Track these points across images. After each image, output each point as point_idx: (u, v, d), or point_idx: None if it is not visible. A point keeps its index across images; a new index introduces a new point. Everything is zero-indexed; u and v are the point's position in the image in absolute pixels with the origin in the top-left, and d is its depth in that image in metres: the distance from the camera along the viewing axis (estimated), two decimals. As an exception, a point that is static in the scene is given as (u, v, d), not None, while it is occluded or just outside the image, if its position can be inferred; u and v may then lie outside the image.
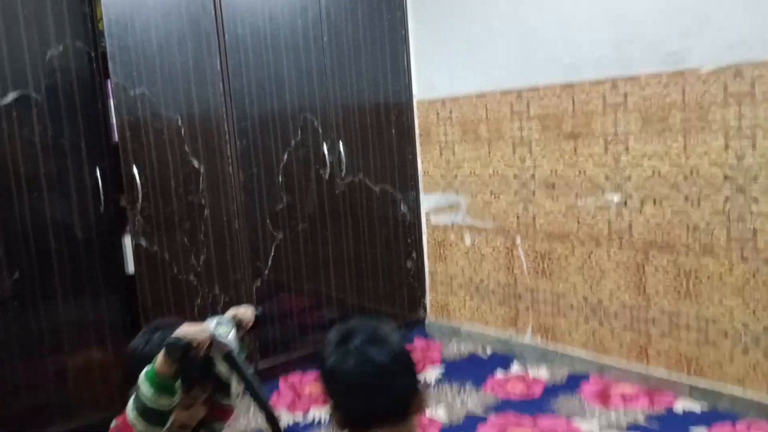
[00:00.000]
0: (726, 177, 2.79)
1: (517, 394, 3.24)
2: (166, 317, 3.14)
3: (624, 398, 3.08)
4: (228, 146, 3.33)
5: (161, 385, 1.47)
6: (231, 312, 1.68)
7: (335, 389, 1.53)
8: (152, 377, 1.47)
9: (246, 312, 1.67)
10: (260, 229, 3.50)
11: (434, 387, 3.39)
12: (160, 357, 1.48)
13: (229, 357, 1.57)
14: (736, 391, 2.85)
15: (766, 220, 2.69)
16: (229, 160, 3.35)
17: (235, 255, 3.41)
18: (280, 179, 3.54)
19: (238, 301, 3.40)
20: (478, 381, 3.41)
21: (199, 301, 3.29)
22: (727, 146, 2.77)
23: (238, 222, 3.41)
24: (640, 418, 2.89)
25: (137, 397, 1.48)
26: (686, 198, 2.92)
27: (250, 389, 1.57)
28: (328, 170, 3.70)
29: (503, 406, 3.12)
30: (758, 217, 2.72)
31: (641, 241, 3.11)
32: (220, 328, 1.60)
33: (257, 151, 3.45)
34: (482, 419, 3.00)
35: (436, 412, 3.11)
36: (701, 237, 2.90)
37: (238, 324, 1.66)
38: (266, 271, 3.52)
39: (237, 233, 3.41)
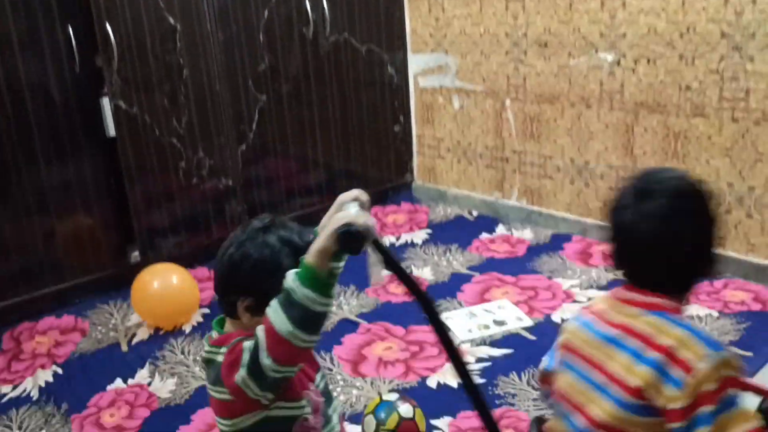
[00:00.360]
0: (723, 34, 2.69)
1: (502, 254, 3.31)
2: (150, 176, 3.12)
3: (605, 257, 3.14)
4: (204, 2, 3.16)
5: (323, 285, 1.24)
6: (351, 194, 1.45)
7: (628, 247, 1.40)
8: (312, 277, 1.23)
9: (363, 193, 1.45)
10: (243, 92, 3.40)
11: (421, 248, 3.45)
12: (319, 253, 1.24)
13: (377, 243, 1.36)
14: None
15: (761, 79, 2.63)
16: (207, 18, 3.20)
17: (217, 118, 3.33)
18: (261, 39, 3.40)
19: (223, 166, 3.38)
20: (464, 243, 3.47)
21: (183, 164, 3.25)
22: (726, 1, 2.65)
23: (219, 84, 3.31)
24: (619, 274, 2.96)
25: (291, 306, 1.21)
26: (681, 57, 2.84)
27: (399, 273, 1.40)
28: (311, 29, 3.55)
29: (487, 265, 3.19)
30: (752, 76, 2.65)
31: (632, 101, 3.05)
32: (353, 210, 1.40)
33: (235, 9, 3.29)
34: (467, 278, 3.08)
35: (423, 271, 3.19)
36: (693, 97, 2.84)
37: (361, 207, 1.43)
38: (251, 135, 3.46)
39: (219, 95, 3.32)
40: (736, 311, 2.60)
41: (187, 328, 2.83)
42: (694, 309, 2.62)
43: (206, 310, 2.96)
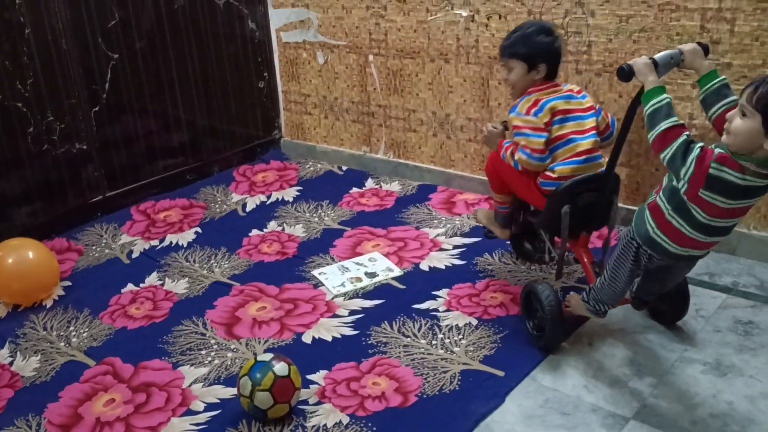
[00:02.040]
0: (567, -10, 2.85)
1: (372, 208, 3.39)
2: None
3: (467, 205, 3.31)
4: (42, -48, 2.92)
5: None
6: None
7: None
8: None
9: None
10: (93, 49, 3.20)
11: (292, 205, 3.46)
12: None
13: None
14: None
15: (601, 33, 2.82)
16: (46, -30, 2.96)
17: (66, 78, 3.13)
18: (109, -8, 3.20)
19: (75, 128, 3.20)
20: (335, 198, 3.51)
21: (31, 129, 3.04)
22: (569, -42, 2.80)
23: (66, 41, 3.09)
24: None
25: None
26: (529, 12, 2.97)
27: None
28: (163, -18, 3.38)
29: (358, 219, 3.27)
30: (593, 30, 2.84)
31: (486, 55, 3.17)
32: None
33: (79, -41, 3.07)
34: (339, 233, 3.13)
35: (294, 228, 3.21)
36: (542, 51, 3.00)
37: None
38: (104, 95, 3.28)
39: (66, 54, 3.10)
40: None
41: (48, 303, 2.70)
42: (547, 250, 2.83)
43: (68, 283, 2.84)
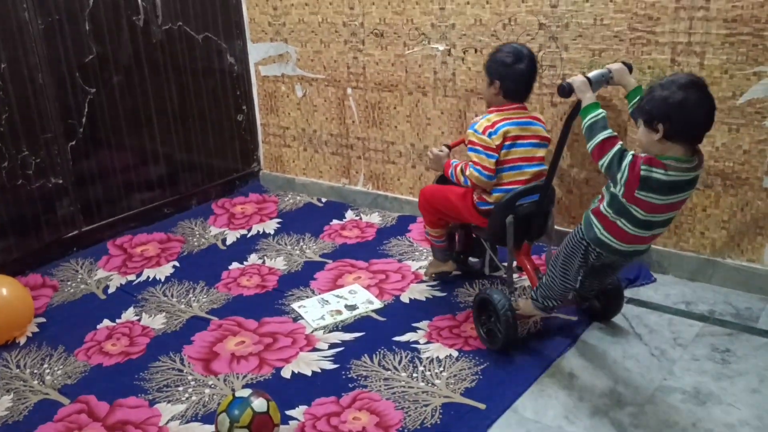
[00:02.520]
0: (541, 25, 2.91)
1: (353, 240, 3.38)
2: None
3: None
4: (19, -12, 2.93)
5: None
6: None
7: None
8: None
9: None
10: (69, 84, 3.19)
11: (273, 238, 3.45)
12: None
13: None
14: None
15: (574, 66, 2.88)
16: (24, 5, 2.96)
17: (42, 113, 3.11)
18: (87, 27, 3.20)
19: (50, 163, 3.17)
20: (316, 230, 3.51)
21: (6, 163, 3.01)
22: (543, -6, 2.87)
23: (42, 76, 3.08)
24: (460, 254, 3.15)
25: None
26: (505, 46, 3.03)
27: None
28: (142, 17, 3.39)
29: (340, 251, 3.26)
30: (567, 64, 2.89)
31: (463, 88, 3.22)
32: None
33: (56, -5, 3.08)
34: (320, 266, 3.12)
35: (275, 261, 3.19)
36: (517, 84, 3.05)
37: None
38: (81, 129, 3.27)
39: (42, 89, 3.09)
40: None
41: (22, 340, 2.65)
42: (524, 280, 2.85)
43: (42, 320, 2.78)
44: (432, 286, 2.87)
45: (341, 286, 2.91)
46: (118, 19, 3.31)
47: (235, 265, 3.18)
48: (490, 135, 2.40)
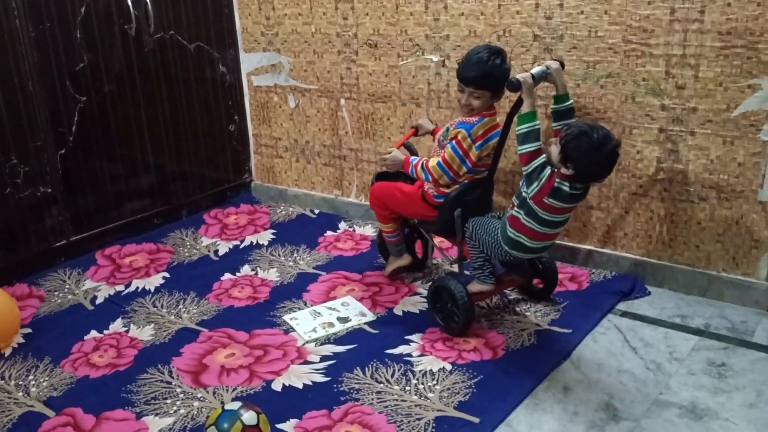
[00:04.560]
0: (535, 37, 2.91)
1: (348, 252, 3.35)
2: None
3: (442, 249, 3.28)
4: (10, -5, 2.90)
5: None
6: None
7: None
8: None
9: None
10: (60, 92, 3.16)
11: (267, 249, 3.41)
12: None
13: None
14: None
15: (569, 78, 2.87)
16: (15, 13, 2.93)
17: (32, 121, 3.07)
18: (78, 35, 3.17)
19: (40, 171, 3.13)
20: (310, 242, 3.47)
21: (-6, 172, 2.97)
22: (537, 5, 2.87)
23: (33, 84, 3.05)
24: (455, 266, 3.12)
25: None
26: (499, 57, 3.02)
27: None
28: (134, 25, 3.37)
29: (334, 264, 3.22)
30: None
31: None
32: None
33: (48, 3, 3.04)
34: (314, 277, 3.08)
35: (268, 272, 3.15)
36: (511, 95, 3.03)
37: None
38: (71, 138, 3.23)
39: (32, 96, 3.06)
40: (555, 292, 2.82)
41: (7, 351, 2.59)
42: (520, 293, 2.82)
43: (28, 330, 2.73)
44: (426, 299, 2.83)
45: (334, 298, 2.88)
46: (109, 28, 3.29)
47: (227, 276, 3.14)
48: (478, 147, 2.50)
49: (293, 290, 2.97)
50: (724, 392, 2.17)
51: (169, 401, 2.26)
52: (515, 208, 2.40)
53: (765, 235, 2.59)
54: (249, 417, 1.90)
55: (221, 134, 3.94)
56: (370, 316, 2.72)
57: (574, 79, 2.85)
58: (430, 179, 2.56)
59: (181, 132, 3.72)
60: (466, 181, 2.57)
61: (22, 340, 2.67)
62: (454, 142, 2.50)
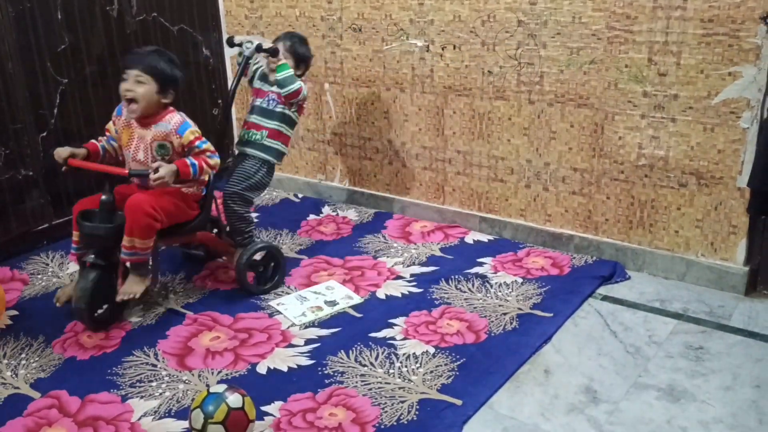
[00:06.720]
0: (520, 22, 2.92)
1: (329, 236, 3.36)
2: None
3: (423, 234, 3.32)
4: (-11, -26, 2.85)
5: None
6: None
7: None
8: None
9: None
10: (40, 74, 3.12)
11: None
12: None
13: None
14: (519, 221, 3.19)
15: (552, 64, 2.89)
16: (-7, -8, 2.89)
17: (12, 103, 3.04)
18: (59, 16, 3.13)
19: (20, 154, 3.10)
20: (293, 226, 3.48)
21: (-27, 155, 2.94)
22: (522, -9, 2.88)
23: (12, 65, 3.01)
24: (436, 250, 3.15)
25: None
26: (483, 43, 3.03)
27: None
28: (116, 7, 3.33)
29: (316, 248, 3.23)
30: (546, 62, 2.90)
31: (441, 85, 3.22)
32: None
33: (28, -18, 3.00)
34: (296, 262, 3.09)
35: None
36: (495, 81, 3.06)
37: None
38: (52, 120, 3.20)
39: (11, 77, 3.02)
40: (537, 276, 2.86)
41: (-9, 334, 2.58)
42: (501, 277, 2.86)
43: (14, 312, 2.72)
44: (408, 282, 2.86)
45: (316, 284, 2.89)
46: (91, 9, 3.25)
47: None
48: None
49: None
50: (701, 375, 2.22)
51: (154, 384, 2.26)
52: (276, 126, 2.96)
53: (743, 221, 2.64)
54: (234, 399, 1.91)
55: (204, 118, 3.91)
56: (357, 299, 2.74)
57: (557, 65, 2.87)
58: (215, 171, 2.70)
59: (163, 115, 3.68)
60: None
61: (9, 322, 2.65)
62: (197, 140, 2.63)
